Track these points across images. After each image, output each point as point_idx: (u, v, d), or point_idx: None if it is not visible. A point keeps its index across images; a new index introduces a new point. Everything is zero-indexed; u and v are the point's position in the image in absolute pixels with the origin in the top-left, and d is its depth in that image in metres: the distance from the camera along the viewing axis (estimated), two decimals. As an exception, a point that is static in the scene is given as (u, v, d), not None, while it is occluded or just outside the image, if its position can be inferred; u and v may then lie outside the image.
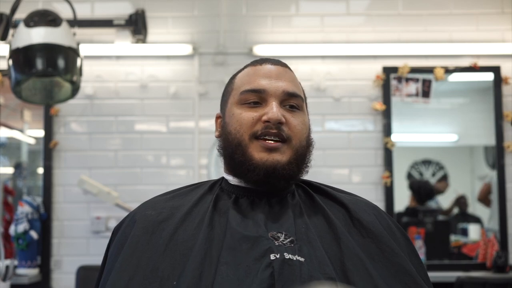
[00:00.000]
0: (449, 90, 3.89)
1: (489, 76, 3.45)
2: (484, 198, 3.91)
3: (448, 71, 3.41)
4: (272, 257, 0.96)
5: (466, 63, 3.41)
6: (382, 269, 1.01)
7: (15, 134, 3.93)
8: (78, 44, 2.38)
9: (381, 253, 1.04)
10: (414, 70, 3.41)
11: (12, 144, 3.99)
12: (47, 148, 3.41)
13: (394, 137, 3.41)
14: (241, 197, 1.10)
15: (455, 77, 3.54)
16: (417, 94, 3.43)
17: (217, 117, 1.19)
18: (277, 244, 0.99)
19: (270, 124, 1.07)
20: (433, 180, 4.50)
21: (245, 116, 1.09)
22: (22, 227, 3.13)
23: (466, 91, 4.00)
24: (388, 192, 3.37)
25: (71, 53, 2.31)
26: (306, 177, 1.15)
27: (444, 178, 4.56)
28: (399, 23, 3.47)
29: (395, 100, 3.43)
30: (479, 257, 3.38)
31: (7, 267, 2.39)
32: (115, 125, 3.44)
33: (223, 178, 1.17)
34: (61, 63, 2.27)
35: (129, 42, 3.37)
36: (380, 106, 3.39)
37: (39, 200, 3.34)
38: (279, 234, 1.02)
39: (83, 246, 3.36)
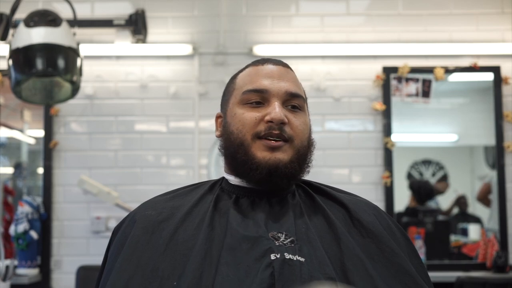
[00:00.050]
0: (449, 90, 3.89)
1: (489, 76, 3.45)
2: (483, 198, 3.91)
3: (448, 71, 3.41)
4: (272, 257, 0.96)
5: (466, 63, 3.41)
6: (382, 269, 1.01)
7: (15, 134, 3.93)
8: (78, 44, 2.38)
9: (381, 253, 1.04)
10: (414, 70, 3.41)
11: (12, 144, 3.99)
12: (47, 148, 3.40)
13: (394, 137, 3.41)
14: (242, 197, 1.10)
15: (455, 77, 3.54)
16: (417, 94, 3.43)
17: (218, 117, 1.19)
18: (277, 244, 0.99)
19: (273, 124, 1.07)
20: (433, 180, 4.50)
21: (247, 116, 1.09)
22: (22, 227, 3.13)
23: (466, 91, 4.00)
24: (388, 192, 3.37)
25: (71, 53, 2.31)
26: (307, 177, 1.15)
27: (444, 178, 4.56)
28: (399, 23, 3.47)
29: (395, 100, 3.43)
30: (479, 257, 3.37)
31: (7, 267, 2.39)
32: (115, 125, 3.44)
33: (223, 178, 1.17)
34: (61, 63, 2.27)
35: (129, 42, 3.37)
36: (380, 106, 3.39)
37: (39, 200, 3.34)
38: (279, 234, 1.02)
39: (83, 246, 3.36)
